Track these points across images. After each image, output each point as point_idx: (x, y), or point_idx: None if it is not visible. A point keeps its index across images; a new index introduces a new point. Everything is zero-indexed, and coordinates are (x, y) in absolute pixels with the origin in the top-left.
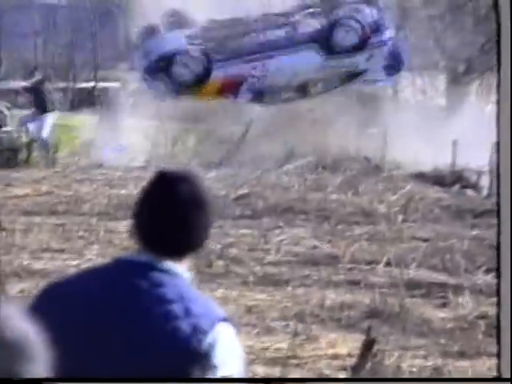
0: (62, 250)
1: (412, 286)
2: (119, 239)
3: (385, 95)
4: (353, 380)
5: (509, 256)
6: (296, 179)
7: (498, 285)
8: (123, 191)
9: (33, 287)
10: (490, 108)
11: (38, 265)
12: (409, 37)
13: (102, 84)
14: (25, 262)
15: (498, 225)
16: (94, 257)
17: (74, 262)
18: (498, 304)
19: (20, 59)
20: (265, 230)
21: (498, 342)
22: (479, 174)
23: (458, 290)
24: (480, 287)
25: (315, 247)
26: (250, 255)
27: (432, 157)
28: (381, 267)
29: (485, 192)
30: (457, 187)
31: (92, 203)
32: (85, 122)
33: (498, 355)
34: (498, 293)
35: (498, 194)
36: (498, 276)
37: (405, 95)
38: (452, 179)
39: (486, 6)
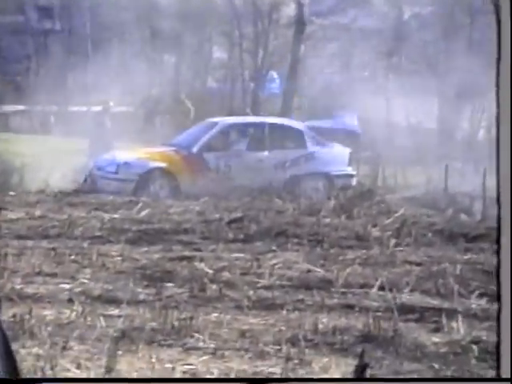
0: (54, 274)
1: (405, 310)
2: (112, 262)
3: (377, 119)
4: (353, 380)
5: (509, 249)
6: (289, 203)
7: (498, 285)
8: (116, 215)
9: (25, 312)
10: (482, 133)
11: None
12: (402, 61)
13: (94, 108)
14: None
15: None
16: (87, 281)
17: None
18: (499, 304)
19: (13, 82)
20: (258, 254)
21: (498, 342)
22: (472, 198)
23: (451, 314)
24: (473, 312)
25: (309, 271)
26: (244, 279)
27: (425, 181)
28: (374, 291)
29: (478, 216)
30: (450, 211)
31: (84, 227)
32: (77, 145)
33: (498, 355)
34: (498, 291)
35: (499, 218)
36: (498, 275)
37: (397, 119)
38: (445, 203)
39: (479, 31)
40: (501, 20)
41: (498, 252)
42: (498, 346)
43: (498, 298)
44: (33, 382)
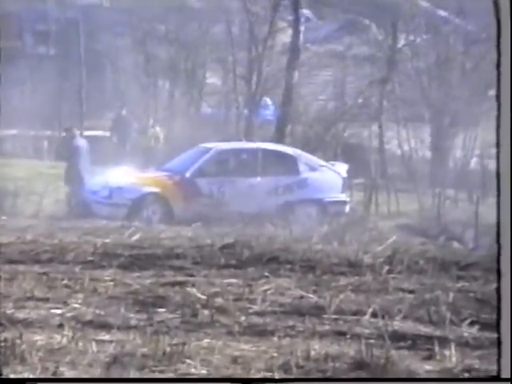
0: (45, 299)
1: (398, 337)
2: (104, 287)
3: (370, 146)
4: (353, 380)
5: (509, 250)
6: (281, 229)
7: (498, 284)
8: (107, 240)
9: (16, 337)
10: (475, 161)
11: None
12: (396, 89)
13: (87, 133)
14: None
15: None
16: (78, 305)
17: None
18: (498, 303)
19: (7, 108)
20: (250, 280)
21: (498, 342)
22: (464, 226)
23: (443, 342)
24: (465, 340)
25: (301, 297)
26: (236, 305)
27: (418, 208)
28: (366, 318)
29: (470, 244)
30: (442, 239)
31: (76, 252)
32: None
33: (498, 355)
34: (498, 292)
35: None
36: (498, 273)
37: (390, 147)
38: (437, 231)
39: (473, 60)
40: (501, 20)
41: (498, 241)
42: (498, 346)
43: (498, 298)
44: (33, 381)
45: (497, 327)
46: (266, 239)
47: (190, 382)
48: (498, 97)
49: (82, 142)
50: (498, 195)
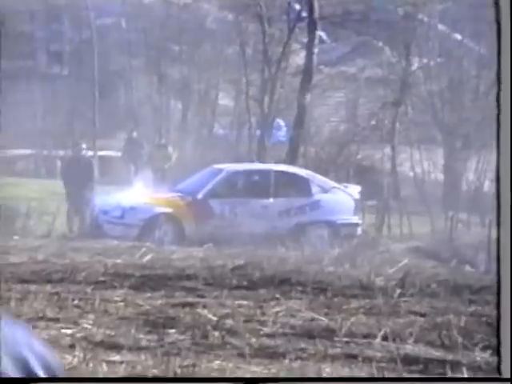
0: (56, 319)
1: (409, 361)
2: (114, 308)
3: (383, 168)
4: (353, 380)
5: (509, 245)
6: (293, 250)
7: (499, 285)
8: (119, 260)
9: None
10: (487, 184)
11: None
12: (408, 111)
13: (100, 153)
14: None
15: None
16: (90, 326)
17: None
18: (498, 305)
19: (20, 127)
20: (261, 302)
21: (498, 342)
22: (477, 249)
23: (455, 366)
24: (478, 364)
25: (312, 320)
26: (246, 327)
27: (430, 231)
28: (378, 341)
29: (482, 268)
30: (454, 262)
31: (88, 272)
32: None
33: (498, 355)
34: (498, 293)
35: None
36: (498, 276)
37: (403, 169)
38: (449, 254)
39: (486, 84)
40: (501, 20)
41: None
42: (498, 346)
43: (497, 294)
44: (33, 381)
45: (497, 328)
46: (278, 261)
47: (189, 381)
48: (498, 98)
49: (85, 160)
50: None
